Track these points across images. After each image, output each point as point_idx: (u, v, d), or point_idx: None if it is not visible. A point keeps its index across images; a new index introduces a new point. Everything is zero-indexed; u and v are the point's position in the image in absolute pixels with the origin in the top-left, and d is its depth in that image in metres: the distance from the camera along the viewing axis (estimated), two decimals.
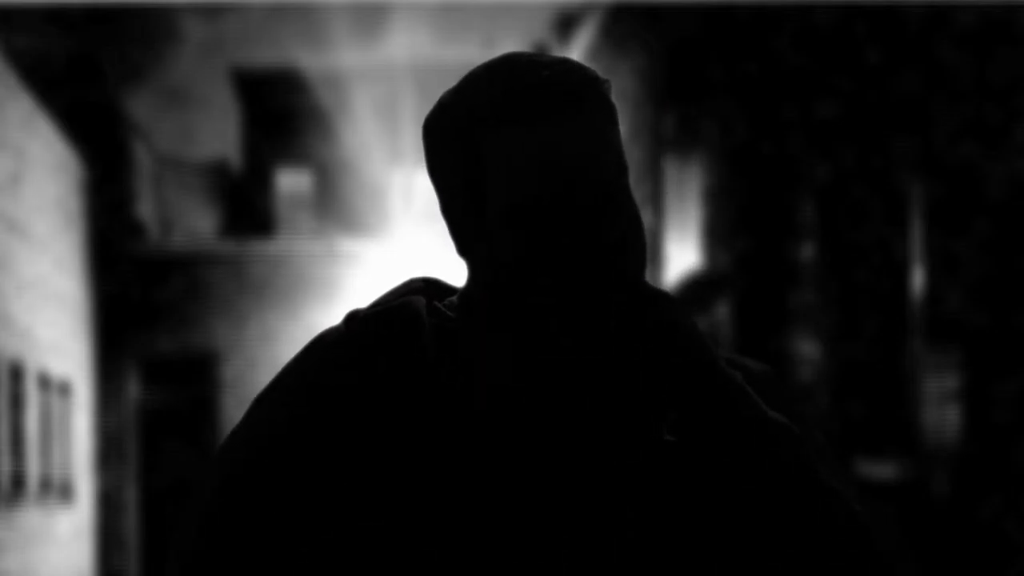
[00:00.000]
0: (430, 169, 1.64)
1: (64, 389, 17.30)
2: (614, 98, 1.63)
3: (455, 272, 1.86)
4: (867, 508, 1.61)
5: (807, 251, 9.89)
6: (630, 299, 1.56)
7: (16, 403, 14.29)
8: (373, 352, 1.60)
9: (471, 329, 1.62)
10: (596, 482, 1.57)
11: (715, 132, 11.51)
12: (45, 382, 16.00)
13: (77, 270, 18.69)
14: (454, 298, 1.67)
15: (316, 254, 20.76)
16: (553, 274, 1.56)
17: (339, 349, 1.62)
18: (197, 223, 24.13)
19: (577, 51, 16.99)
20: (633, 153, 13.58)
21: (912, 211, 8.87)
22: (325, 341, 1.64)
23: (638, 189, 13.09)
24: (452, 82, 1.69)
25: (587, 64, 1.62)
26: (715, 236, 11.57)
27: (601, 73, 1.61)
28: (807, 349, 9.90)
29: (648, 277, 1.62)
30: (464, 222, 1.61)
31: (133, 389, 20.18)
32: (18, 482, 14.36)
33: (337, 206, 23.60)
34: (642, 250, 1.59)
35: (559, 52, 16.94)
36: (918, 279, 8.77)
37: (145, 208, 21.86)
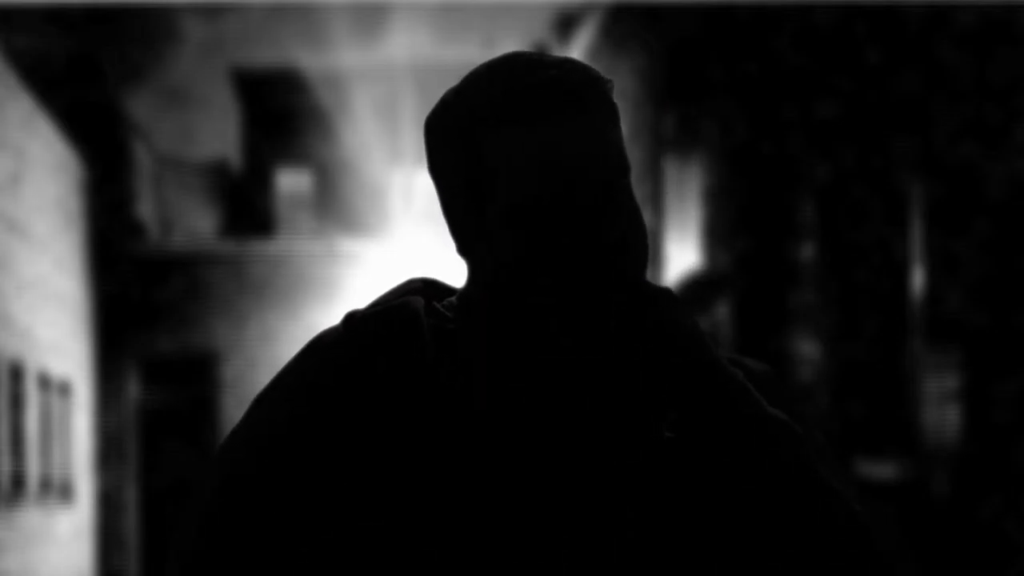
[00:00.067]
0: (431, 168, 1.64)
1: (64, 389, 17.30)
2: (614, 98, 1.63)
3: (455, 272, 1.86)
4: (867, 508, 1.61)
5: (807, 251, 9.89)
6: (630, 299, 1.56)
7: (16, 403, 14.28)
8: (372, 352, 1.60)
9: (471, 329, 1.62)
10: (596, 482, 1.57)
11: (715, 132, 11.51)
12: (45, 382, 16.00)
13: (77, 270, 18.68)
14: (453, 299, 1.67)
15: (316, 254, 20.75)
16: (553, 274, 1.56)
17: (338, 349, 1.62)
18: (197, 223, 24.13)
19: (577, 51, 16.99)
20: (633, 153, 13.57)
21: (912, 211, 8.87)
22: (324, 341, 1.64)
23: (638, 189, 13.08)
24: (452, 82, 1.69)
25: (588, 64, 1.62)
26: (715, 236, 11.57)
27: (602, 73, 1.61)
28: (807, 349, 9.90)
29: (648, 277, 1.62)
30: (465, 221, 1.61)
31: (133, 389, 20.18)
32: (18, 482, 14.35)
33: (337, 206, 23.60)
34: (643, 250, 1.59)
35: (559, 52, 16.93)
36: (918, 279, 8.77)
37: (145, 208, 21.85)
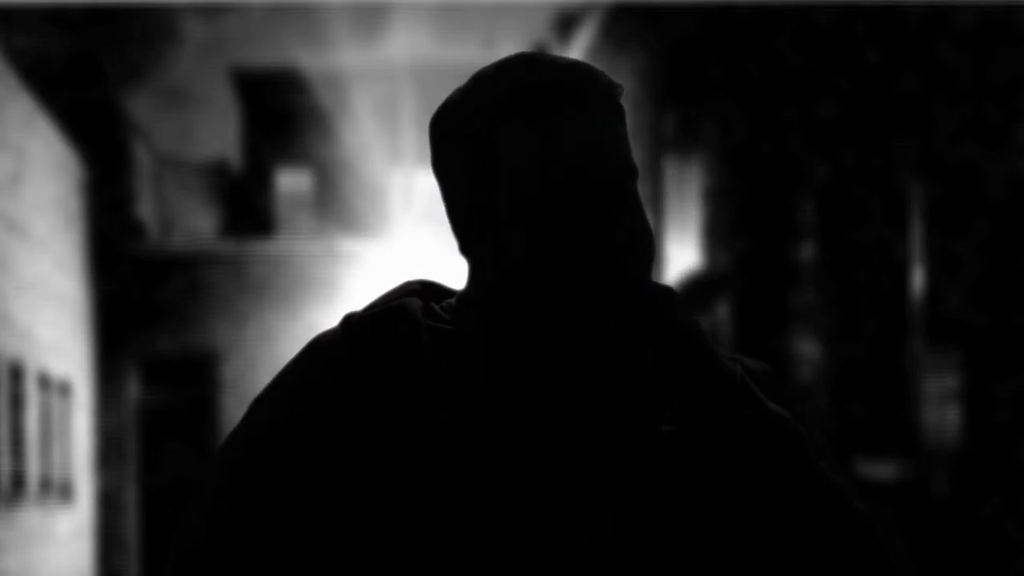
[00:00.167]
0: (435, 166, 1.64)
1: (64, 389, 17.30)
2: (622, 102, 1.63)
3: (455, 272, 1.87)
4: (868, 506, 1.60)
5: (807, 251, 9.89)
6: (630, 299, 1.56)
7: (16, 403, 14.28)
8: (370, 354, 1.60)
9: (470, 329, 1.62)
10: (596, 482, 1.57)
11: (715, 132, 11.51)
12: (45, 382, 16.00)
13: (77, 270, 18.69)
14: (452, 300, 1.67)
15: (316, 254, 20.75)
16: (554, 273, 1.56)
17: (337, 351, 1.62)
18: (197, 223, 24.13)
19: (577, 51, 16.99)
20: (633, 153, 13.53)
21: (912, 211, 8.87)
22: (323, 343, 1.64)
23: (638, 189, 13.05)
24: (452, 82, 1.70)
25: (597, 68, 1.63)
26: (715, 236, 11.57)
27: (601, 71, 1.62)
28: (807, 349, 9.90)
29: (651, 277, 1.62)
30: (468, 220, 1.61)
31: (133, 389, 20.18)
32: (18, 482, 14.36)
33: (337, 206, 23.59)
34: (646, 251, 1.59)
35: (559, 52, 16.93)
36: (918, 279, 8.77)
37: (145, 208, 21.85)
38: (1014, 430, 8.03)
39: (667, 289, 1.58)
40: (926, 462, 8.71)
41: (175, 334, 20.27)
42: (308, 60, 24.38)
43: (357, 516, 1.56)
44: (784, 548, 1.54)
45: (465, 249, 1.63)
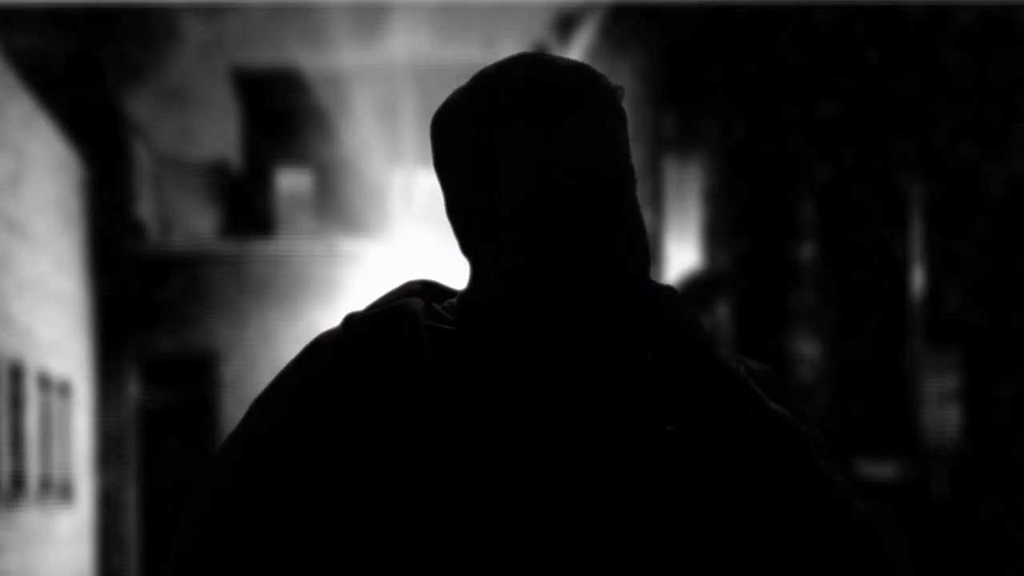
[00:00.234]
0: (436, 166, 1.64)
1: (64, 389, 17.30)
2: (623, 104, 1.64)
3: (455, 273, 1.87)
4: (868, 506, 1.61)
5: (807, 251, 9.89)
6: (630, 298, 1.56)
7: (16, 403, 14.28)
8: (371, 354, 1.60)
9: (471, 329, 1.62)
10: (596, 482, 1.57)
11: (715, 132, 11.51)
12: (45, 382, 15.99)
13: (77, 270, 18.68)
14: (452, 300, 1.67)
15: (316, 254, 20.75)
16: (554, 274, 1.56)
17: (337, 351, 1.62)
18: (197, 223, 24.12)
19: (577, 51, 16.99)
20: (633, 153, 13.53)
21: (912, 211, 8.87)
22: (324, 343, 1.64)
23: (638, 189, 13.05)
24: (452, 82, 1.70)
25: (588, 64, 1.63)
26: (715, 236, 11.57)
27: (602, 73, 1.62)
28: (807, 349, 9.90)
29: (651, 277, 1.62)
30: (469, 220, 1.61)
31: (133, 389, 20.18)
32: (18, 482, 14.35)
33: (337, 206, 23.59)
34: (644, 252, 1.60)
35: (559, 52, 16.93)
36: (918, 279, 8.77)
37: (145, 208, 21.85)
38: (1014, 430, 8.03)
39: (667, 289, 1.58)
40: (926, 462, 8.71)
41: (175, 334, 20.27)
42: (308, 60, 24.39)
43: (357, 516, 1.56)
44: (785, 548, 1.54)
45: (466, 249, 1.63)
